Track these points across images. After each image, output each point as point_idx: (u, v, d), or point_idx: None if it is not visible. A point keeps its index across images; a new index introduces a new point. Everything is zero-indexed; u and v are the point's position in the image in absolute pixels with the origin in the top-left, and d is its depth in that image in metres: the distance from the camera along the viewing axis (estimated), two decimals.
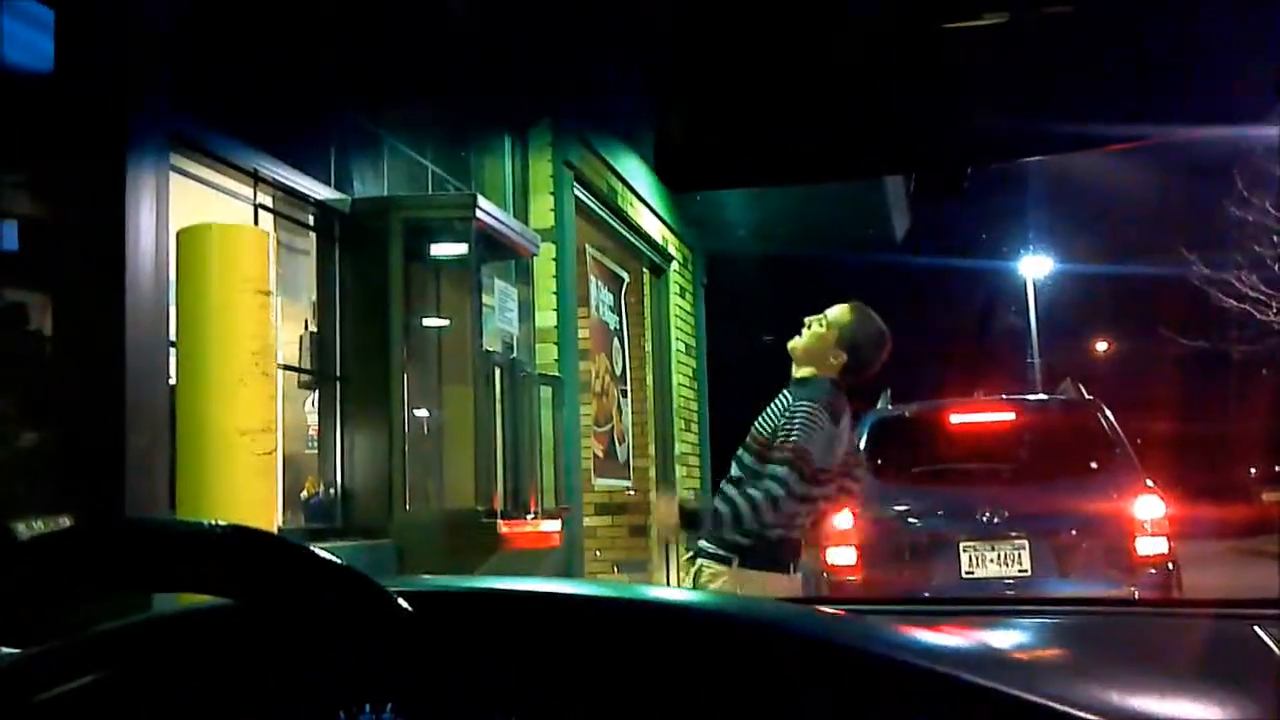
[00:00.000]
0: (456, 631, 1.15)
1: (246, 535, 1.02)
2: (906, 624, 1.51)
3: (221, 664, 1.22)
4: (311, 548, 1.04)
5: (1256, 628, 1.43)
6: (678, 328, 11.29)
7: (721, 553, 4.03)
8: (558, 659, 1.19)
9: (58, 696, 1.17)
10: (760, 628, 1.22)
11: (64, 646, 1.19)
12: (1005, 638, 1.50)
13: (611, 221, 9.57)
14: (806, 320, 4.25)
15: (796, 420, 3.99)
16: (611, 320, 10.23)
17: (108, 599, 1.04)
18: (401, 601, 1.08)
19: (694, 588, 4.04)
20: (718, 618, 1.26)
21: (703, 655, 1.17)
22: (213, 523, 1.02)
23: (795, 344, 4.24)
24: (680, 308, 11.42)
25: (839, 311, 4.20)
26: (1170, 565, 7.32)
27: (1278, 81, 1.05)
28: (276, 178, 5.46)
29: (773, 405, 4.13)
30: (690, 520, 4.21)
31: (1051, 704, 1.07)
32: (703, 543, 4.13)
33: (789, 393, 4.14)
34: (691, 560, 4.21)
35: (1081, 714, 1.06)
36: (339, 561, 1.04)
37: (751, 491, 3.96)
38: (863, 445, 8.35)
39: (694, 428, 11.64)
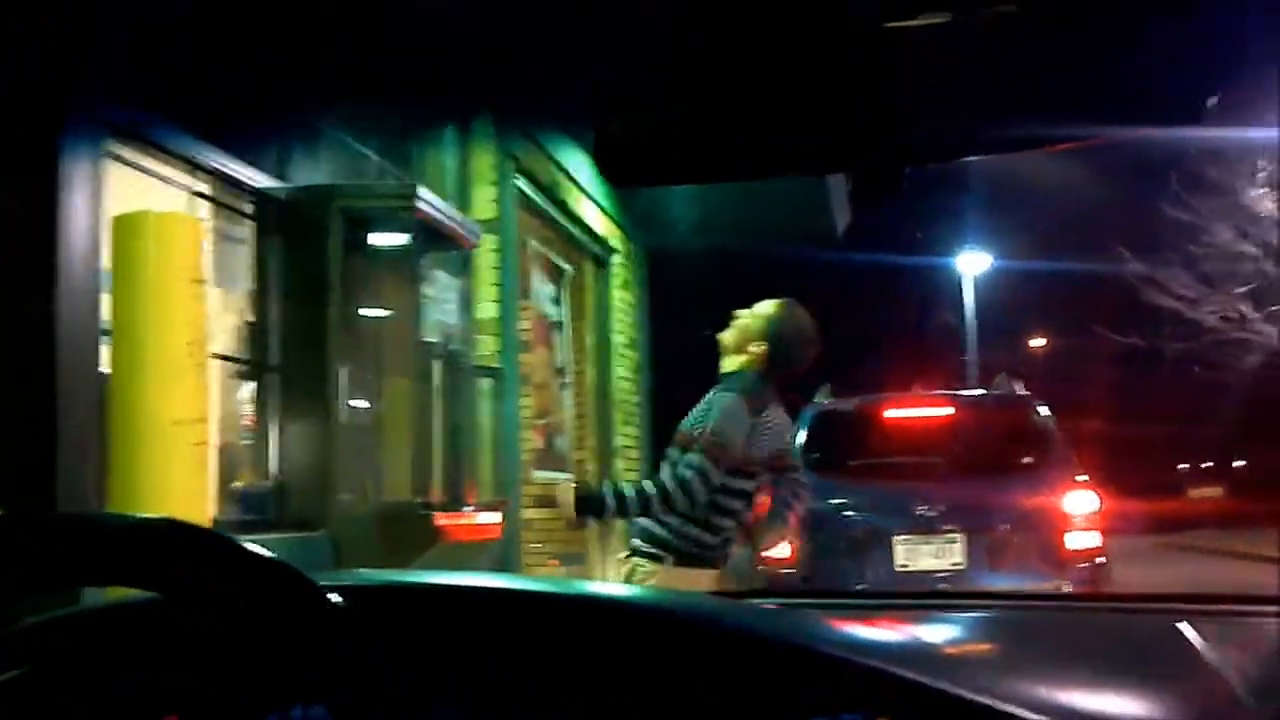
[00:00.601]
0: (390, 627, 1.14)
1: (174, 528, 1.01)
2: (840, 618, 1.52)
3: (149, 660, 1.20)
4: (241, 541, 1.03)
5: (1181, 624, 1.46)
6: (620, 320, 11.30)
7: (654, 551, 4.06)
8: (492, 655, 1.19)
9: None
10: (694, 622, 1.22)
11: None
12: (937, 632, 1.51)
13: (554, 213, 9.55)
14: (736, 313, 4.28)
15: (714, 411, 4.02)
16: (553, 313, 10.21)
17: (34, 594, 1.02)
18: (334, 596, 1.07)
19: (626, 584, 4.07)
20: (651, 613, 1.26)
21: (636, 649, 1.18)
22: (139, 516, 1.00)
23: (723, 335, 4.27)
24: (623, 300, 11.43)
25: (768, 305, 4.23)
26: (1101, 559, 7.44)
27: (1210, 83, 1.07)
28: (215, 165, 5.39)
29: (701, 403, 4.16)
30: (586, 505, 4.16)
31: (979, 698, 1.08)
32: (636, 541, 4.15)
33: (715, 388, 4.17)
34: (625, 559, 4.24)
35: (1009, 708, 1.07)
36: (270, 555, 1.03)
37: (662, 478, 4.00)
38: (801, 438, 8.41)
39: (635, 421, 11.65)
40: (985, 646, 1.54)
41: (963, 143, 1.12)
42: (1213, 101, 1.06)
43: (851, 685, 1.13)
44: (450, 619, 1.21)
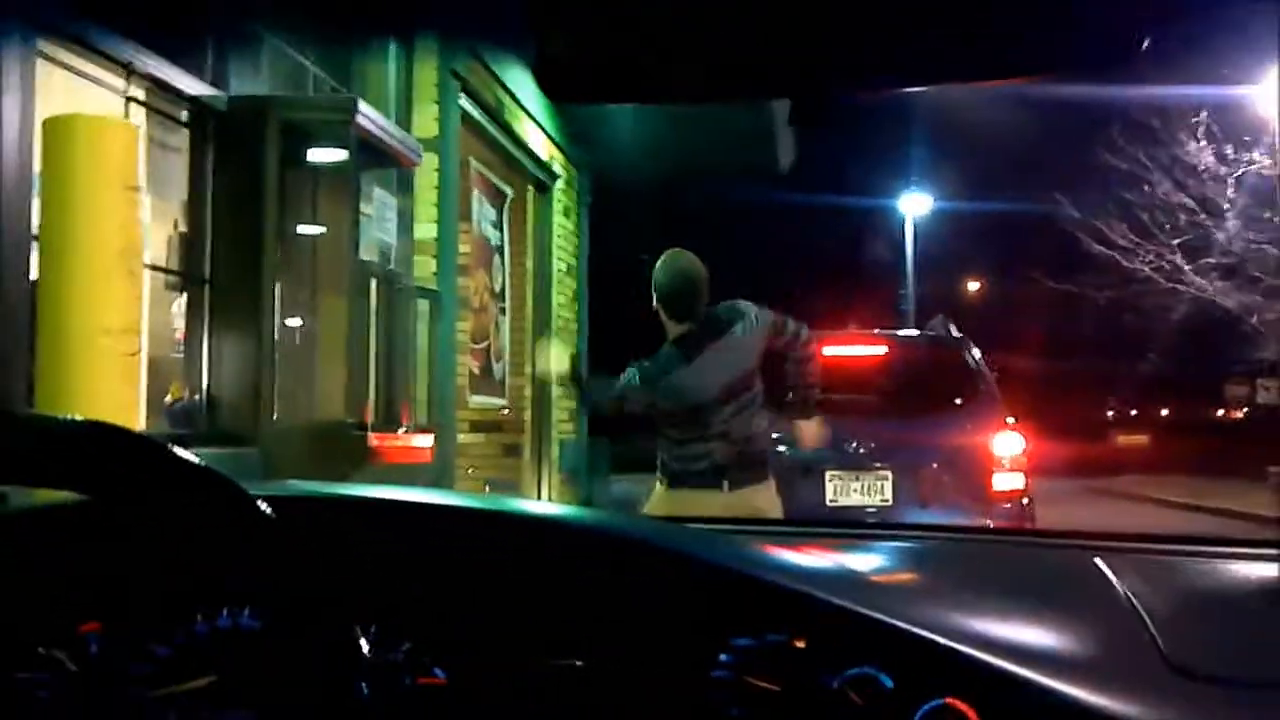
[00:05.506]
0: (318, 537, 1.14)
1: (104, 430, 1.00)
2: (769, 544, 1.54)
3: (77, 561, 1.20)
4: (173, 448, 1.02)
5: (1097, 559, 1.49)
6: (560, 246, 11.24)
7: (658, 475, 4.33)
8: (420, 566, 1.19)
9: None
10: (621, 541, 1.24)
11: None
12: (862, 560, 1.54)
13: (497, 135, 9.44)
14: None
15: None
16: (493, 236, 10.13)
17: None
18: (263, 505, 1.07)
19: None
20: (580, 531, 1.28)
21: (564, 565, 1.19)
22: (70, 417, 0.99)
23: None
24: (563, 226, 11.36)
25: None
26: (1026, 500, 7.57)
27: (1143, 23, 1.07)
28: (150, 70, 5.26)
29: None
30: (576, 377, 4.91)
31: (895, 622, 1.10)
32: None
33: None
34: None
35: (923, 632, 1.10)
36: (200, 462, 1.02)
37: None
38: None
39: (573, 348, 11.64)
40: (907, 575, 1.57)
41: (899, 73, 1.11)
42: (1145, 43, 1.06)
43: (775, 607, 1.15)
44: (375, 530, 1.22)
